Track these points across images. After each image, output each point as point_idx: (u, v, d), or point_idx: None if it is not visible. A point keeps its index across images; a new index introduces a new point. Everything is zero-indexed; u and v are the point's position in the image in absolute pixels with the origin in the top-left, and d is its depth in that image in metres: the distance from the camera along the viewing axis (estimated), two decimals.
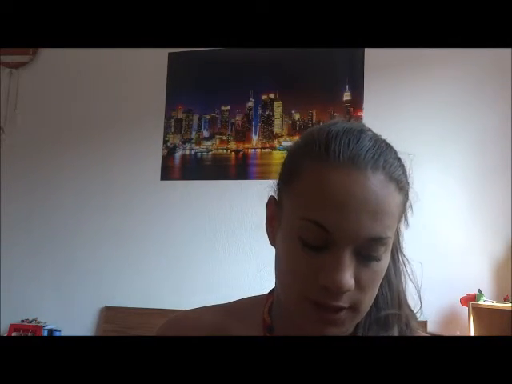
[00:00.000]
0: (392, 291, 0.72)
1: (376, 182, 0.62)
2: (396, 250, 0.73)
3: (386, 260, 0.66)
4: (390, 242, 0.65)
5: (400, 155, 0.69)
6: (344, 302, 0.63)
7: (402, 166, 0.67)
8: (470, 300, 2.49)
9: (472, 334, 2.39)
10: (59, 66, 3.50)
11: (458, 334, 2.54)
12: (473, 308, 2.44)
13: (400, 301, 0.72)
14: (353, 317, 0.65)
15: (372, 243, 0.62)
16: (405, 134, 2.91)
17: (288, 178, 0.67)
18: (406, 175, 0.67)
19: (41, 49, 3.51)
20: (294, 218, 0.64)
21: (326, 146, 0.63)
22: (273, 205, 0.72)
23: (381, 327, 0.70)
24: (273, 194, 0.72)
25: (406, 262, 0.75)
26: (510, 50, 2.73)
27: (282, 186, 0.69)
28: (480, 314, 2.44)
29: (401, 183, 0.65)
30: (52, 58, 3.50)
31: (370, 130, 0.68)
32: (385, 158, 0.64)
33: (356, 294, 0.63)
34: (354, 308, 0.64)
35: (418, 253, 2.79)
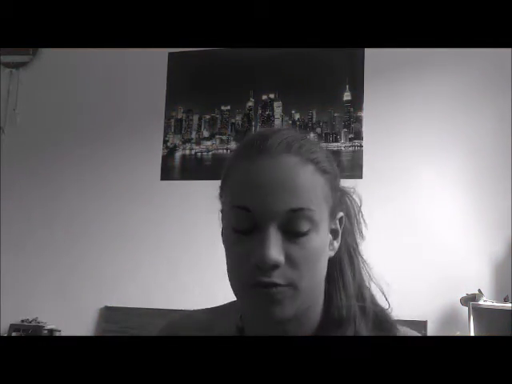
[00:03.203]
0: (346, 287, 0.74)
1: (290, 163, 0.68)
2: (354, 250, 0.78)
3: (316, 238, 0.68)
4: (316, 217, 0.68)
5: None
6: (277, 278, 0.66)
7: (325, 153, 0.73)
8: (469, 300, 2.49)
9: (472, 333, 2.39)
10: (59, 66, 3.50)
11: (458, 333, 2.54)
12: (473, 308, 2.44)
13: (363, 298, 0.74)
14: (293, 296, 0.67)
15: (293, 216, 0.67)
16: (404, 134, 2.91)
17: (222, 183, 0.75)
18: (330, 162, 0.73)
19: (41, 49, 3.50)
20: (227, 211, 0.71)
21: (246, 146, 0.72)
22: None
23: (337, 323, 0.72)
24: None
25: (364, 262, 0.78)
26: (509, 49, 2.73)
27: (221, 194, 0.76)
28: (480, 313, 2.44)
29: (320, 165, 0.70)
30: (52, 58, 3.50)
31: (291, 129, 0.76)
32: (300, 144, 0.70)
33: (289, 271, 0.67)
34: (291, 286, 0.67)
35: (418, 253, 2.79)
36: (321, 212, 0.69)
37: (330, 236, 0.73)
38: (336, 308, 0.72)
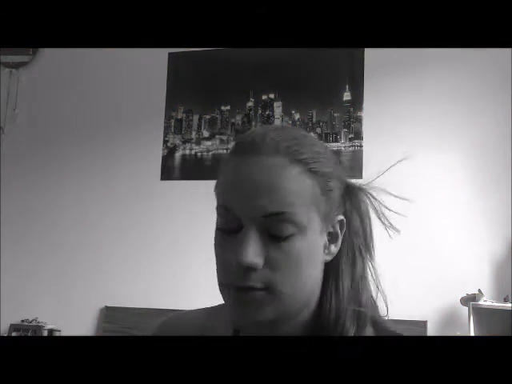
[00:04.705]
0: (339, 291, 0.71)
1: (274, 164, 0.66)
2: (360, 251, 0.74)
3: (302, 242, 0.66)
4: (301, 220, 0.66)
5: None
6: (253, 282, 0.65)
7: (320, 154, 0.70)
8: (469, 300, 2.49)
9: (472, 333, 2.39)
10: (59, 66, 3.50)
11: (458, 334, 2.54)
12: (473, 308, 2.44)
13: (360, 302, 0.71)
14: (271, 300, 0.66)
15: (274, 219, 0.65)
16: (404, 134, 2.91)
17: (217, 179, 0.73)
18: (324, 163, 0.70)
19: (41, 49, 3.50)
20: (216, 211, 0.70)
21: (238, 143, 0.71)
22: None
23: (324, 327, 0.70)
24: None
25: (373, 265, 0.75)
26: (509, 49, 2.73)
27: (215, 191, 0.73)
28: (480, 313, 2.44)
29: (309, 166, 0.68)
30: (52, 58, 3.50)
31: (287, 128, 0.74)
32: (288, 144, 0.68)
33: (268, 274, 0.65)
34: (268, 289, 0.65)
35: (419, 253, 2.79)
36: (308, 215, 0.67)
37: (326, 239, 0.71)
38: (324, 312, 0.70)
